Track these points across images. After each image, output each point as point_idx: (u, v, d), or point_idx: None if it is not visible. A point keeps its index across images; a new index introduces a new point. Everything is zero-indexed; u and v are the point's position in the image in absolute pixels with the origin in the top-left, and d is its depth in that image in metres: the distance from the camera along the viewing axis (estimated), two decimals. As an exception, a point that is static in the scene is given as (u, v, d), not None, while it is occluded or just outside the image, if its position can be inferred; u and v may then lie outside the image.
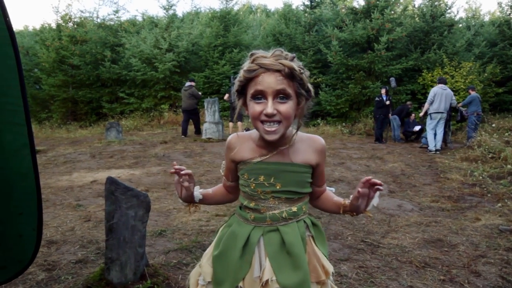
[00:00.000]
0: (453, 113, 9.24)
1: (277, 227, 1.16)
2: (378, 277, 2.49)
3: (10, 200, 1.57)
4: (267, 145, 1.14)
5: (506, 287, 2.40)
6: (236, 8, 18.48)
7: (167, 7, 16.14)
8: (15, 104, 1.46)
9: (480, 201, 4.42)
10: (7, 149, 1.50)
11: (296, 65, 1.04)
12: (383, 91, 9.77)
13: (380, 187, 1.05)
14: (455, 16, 15.23)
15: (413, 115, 10.35)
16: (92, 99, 15.31)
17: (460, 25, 15.24)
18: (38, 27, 20.58)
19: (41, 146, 8.92)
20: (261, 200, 1.16)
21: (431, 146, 8.12)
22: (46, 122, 15.21)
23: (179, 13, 20.35)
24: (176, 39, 14.62)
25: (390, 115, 9.85)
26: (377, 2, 12.59)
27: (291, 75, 1.03)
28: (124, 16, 19.05)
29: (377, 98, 9.86)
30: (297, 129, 1.15)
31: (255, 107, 1.06)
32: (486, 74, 12.22)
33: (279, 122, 1.05)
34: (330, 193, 1.28)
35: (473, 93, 8.95)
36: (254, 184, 1.15)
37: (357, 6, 13.47)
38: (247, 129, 8.17)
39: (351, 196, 1.14)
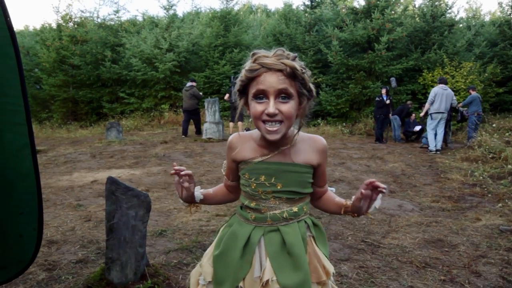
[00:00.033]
0: (453, 113, 9.24)
1: (278, 227, 1.16)
2: (379, 277, 2.49)
3: (11, 200, 1.57)
4: (269, 145, 1.14)
5: (507, 287, 2.40)
6: (236, 8, 18.50)
7: (167, 7, 16.15)
8: (16, 104, 1.46)
9: (481, 201, 4.42)
10: (7, 149, 1.51)
11: (298, 64, 1.04)
12: (383, 91, 9.77)
13: (383, 190, 1.04)
14: (455, 16, 15.26)
15: (413, 115, 10.35)
16: (92, 99, 15.32)
17: (461, 25, 15.23)
18: (38, 27, 20.60)
19: (42, 146, 8.92)
20: (262, 200, 1.16)
21: (432, 146, 8.11)
22: (46, 122, 15.21)
23: (180, 13, 20.40)
24: (177, 39, 14.63)
25: (390, 115, 9.85)
26: (378, 2, 12.58)
27: (293, 75, 1.02)
28: (125, 16, 18.95)
29: (377, 98, 9.85)
30: (299, 129, 1.14)
31: (256, 107, 1.05)
32: (486, 74, 12.22)
33: (280, 122, 1.05)
34: (331, 193, 1.28)
35: (473, 93, 8.95)
36: (255, 184, 1.15)
37: (357, 6, 13.47)
38: (247, 129, 8.17)
39: (353, 197, 1.14)
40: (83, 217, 3.71)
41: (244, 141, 1.19)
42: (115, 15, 17.27)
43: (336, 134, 11.30)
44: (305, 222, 1.21)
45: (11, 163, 1.52)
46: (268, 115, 1.03)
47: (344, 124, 12.26)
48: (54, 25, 16.70)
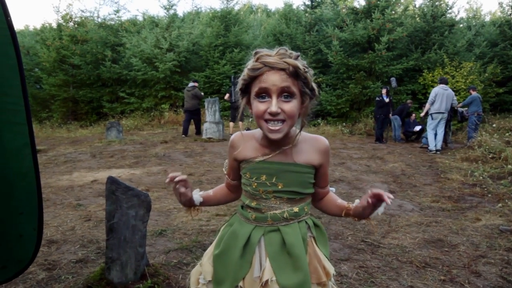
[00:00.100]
0: (453, 115, 9.24)
1: (278, 227, 1.15)
2: (379, 277, 2.49)
3: (11, 200, 1.57)
4: (270, 145, 1.13)
5: (507, 287, 2.40)
6: (236, 8, 18.48)
7: (167, 6, 16.14)
8: (16, 104, 1.46)
9: (481, 201, 4.42)
10: (8, 149, 1.50)
11: (301, 63, 1.03)
12: (383, 91, 9.76)
13: (389, 202, 1.02)
14: (455, 16, 15.24)
15: (413, 115, 10.35)
16: (92, 98, 15.31)
17: (461, 25, 15.22)
18: (38, 26, 20.57)
19: (42, 146, 8.92)
20: (263, 199, 1.16)
21: (432, 146, 8.11)
22: (46, 121, 15.20)
23: (180, 13, 20.34)
24: (177, 38, 14.62)
25: (390, 115, 9.85)
26: (378, 2, 12.58)
27: (295, 74, 1.02)
28: (125, 16, 19.11)
29: (377, 98, 9.85)
30: (301, 129, 1.14)
31: (259, 106, 1.05)
32: (486, 74, 12.21)
33: (283, 121, 1.05)
34: (333, 195, 1.27)
35: (474, 93, 8.95)
36: (256, 183, 1.15)
37: (357, 6, 13.46)
38: (248, 129, 8.17)
39: (356, 201, 1.14)
40: (83, 216, 3.71)
41: (246, 140, 1.19)
42: (115, 14, 17.30)
43: (336, 134, 11.31)
44: (306, 222, 1.20)
45: (11, 163, 1.52)
46: (271, 114, 1.03)
47: (344, 124, 12.26)
48: (54, 25, 16.70)
